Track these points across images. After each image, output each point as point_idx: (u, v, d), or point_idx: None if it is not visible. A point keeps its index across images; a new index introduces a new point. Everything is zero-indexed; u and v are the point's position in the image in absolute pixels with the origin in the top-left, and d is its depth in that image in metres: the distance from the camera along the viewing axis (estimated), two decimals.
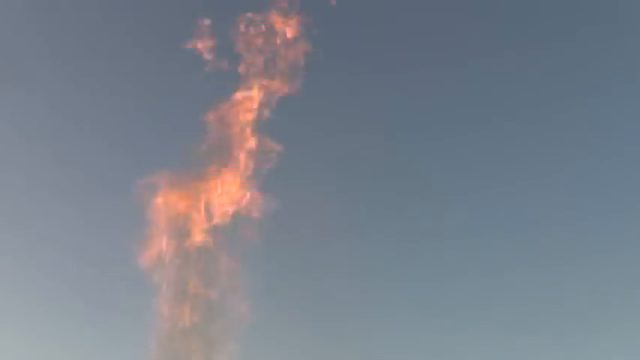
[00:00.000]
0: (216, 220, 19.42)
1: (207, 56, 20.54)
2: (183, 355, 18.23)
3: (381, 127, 25.99)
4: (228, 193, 19.55)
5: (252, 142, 19.95)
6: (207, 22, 20.80)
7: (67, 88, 26.35)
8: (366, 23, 27.04)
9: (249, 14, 20.45)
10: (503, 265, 25.47)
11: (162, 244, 19.00)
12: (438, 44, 27.55)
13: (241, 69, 20.34)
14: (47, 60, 26.35)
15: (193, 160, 19.67)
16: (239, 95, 20.33)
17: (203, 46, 20.55)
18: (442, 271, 25.32)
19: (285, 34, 20.49)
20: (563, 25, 27.53)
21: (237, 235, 19.25)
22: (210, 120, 20.17)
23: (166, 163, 21.93)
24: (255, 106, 20.17)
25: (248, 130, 20.11)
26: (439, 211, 25.94)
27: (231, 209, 19.50)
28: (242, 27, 20.39)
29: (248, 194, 19.51)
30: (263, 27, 20.37)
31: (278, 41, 20.39)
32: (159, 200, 19.32)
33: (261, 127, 20.26)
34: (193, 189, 19.61)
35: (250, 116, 20.14)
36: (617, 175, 26.47)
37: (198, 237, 19.25)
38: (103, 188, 25.30)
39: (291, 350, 20.60)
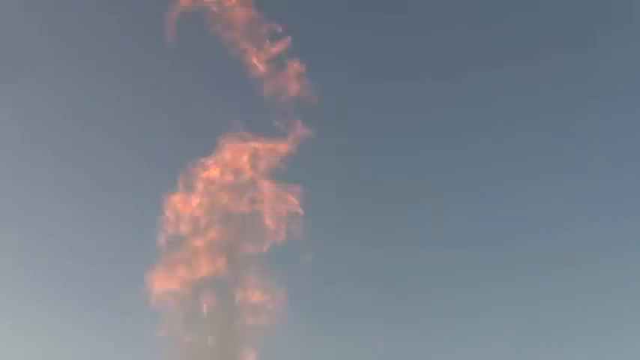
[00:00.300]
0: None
1: None
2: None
3: (385, 135, 26.05)
4: None
5: None
6: None
7: (70, 86, 26.37)
8: (368, 29, 27.14)
9: None
10: (510, 272, 25.36)
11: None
12: (443, 53, 27.65)
13: None
14: (51, 59, 26.36)
15: None
16: None
17: None
18: (447, 279, 25.21)
19: None
20: (571, 32, 27.63)
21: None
22: None
23: (172, 162, 21.95)
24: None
25: None
26: (445, 219, 25.90)
27: None
28: None
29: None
30: None
31: None
32: None
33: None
34: None
35: None
36: (625, 180, 26.43)
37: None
38: (106, 187, 25.25)
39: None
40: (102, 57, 26.16)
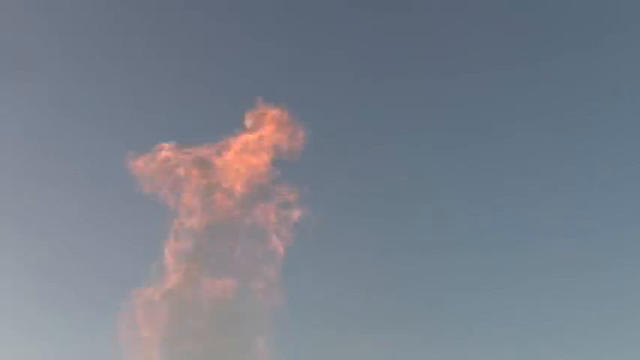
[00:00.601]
0: None
1: None
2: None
3: (392, 137, 25.94)
4: None
5: None
6: None
7: (70, 85, 26.26)
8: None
9: None
10: (515, 277, 25.21)
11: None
12: (447, 52, 27.58)
13: None
14: (51, 56, 26.26)
15: None
16: None
17: None
18: (451, 283, 25.07)
19: None
20: (574, 34, 27.54)
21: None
22: None
23: None
24: None
25: None
26: (449, 222, 25.75)
27: None
28: None
29: None
30: None
31: None
32: None
33: None
34: None
35: None
36: (633, 183, 26.30)
37: None
38: (106, 182, 25.05)
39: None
40: (102, 55, 26.10)
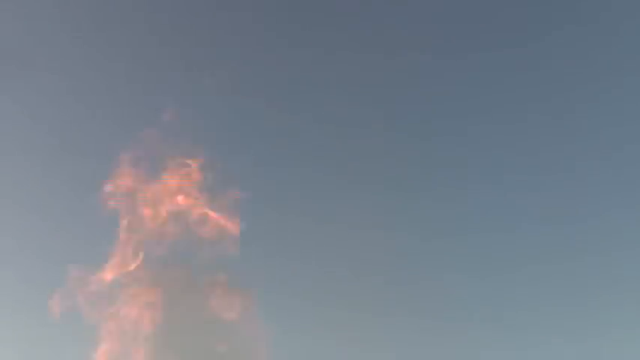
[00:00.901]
0: None
1: None
2: None
3: (388, 122, 25.93)
4: None
5: None
6: None
7: (69, 82, 26.33)
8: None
9: None
10: (513, 264, 25.20)
11: None
12: (446, 45, 27.56)
13: None
14: (52, 55, 26.32)
15: None
16: None
17: None
18: (447, 270, 25.05)
19: None
20: (576, 17, 27.39)
21: None
22: None
23: None
24: None
25: None
26: (447, 208, 25.77)
27: None
28: None
29: None
30: None
31: None
32: None
33: None
34: None
35: None
36: (634, 170, 26.19)
37: None
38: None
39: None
40: (103, 55, 26.19)
